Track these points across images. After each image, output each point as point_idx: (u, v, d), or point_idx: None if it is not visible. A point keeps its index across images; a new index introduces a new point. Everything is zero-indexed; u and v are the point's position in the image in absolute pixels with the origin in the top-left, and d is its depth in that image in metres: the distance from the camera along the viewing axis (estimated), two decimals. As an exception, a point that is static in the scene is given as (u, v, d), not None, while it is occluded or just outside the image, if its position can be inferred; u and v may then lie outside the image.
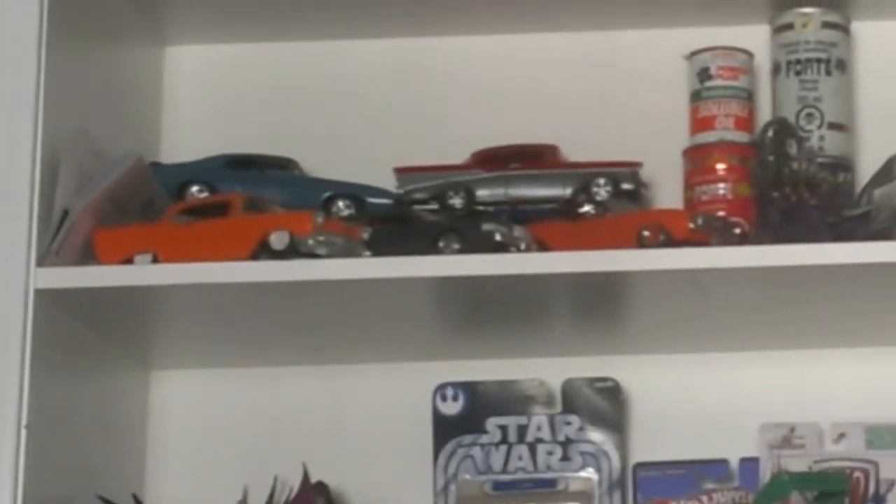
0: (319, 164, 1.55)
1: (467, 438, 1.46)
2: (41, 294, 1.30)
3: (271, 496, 1.42)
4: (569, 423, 1.44)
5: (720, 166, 1.40)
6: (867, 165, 1.43)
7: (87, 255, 1.35)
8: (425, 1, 1.58)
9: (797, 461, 1.39)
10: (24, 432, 1.27)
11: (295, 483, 1.40)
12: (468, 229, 1.34)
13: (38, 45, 1.34)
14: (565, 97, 1.57)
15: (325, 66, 1.64)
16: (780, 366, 1.50)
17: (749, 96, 1.47)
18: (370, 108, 1.62)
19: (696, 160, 1.43)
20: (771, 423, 1.42)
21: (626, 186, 1.43)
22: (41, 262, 1.30)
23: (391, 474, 1.50)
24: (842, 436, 1.42)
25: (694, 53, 1.48)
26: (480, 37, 1.61)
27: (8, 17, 1.35)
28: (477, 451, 1.42)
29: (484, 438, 1.44)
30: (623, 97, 1.54)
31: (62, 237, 1.34)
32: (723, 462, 1.44)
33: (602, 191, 1.41)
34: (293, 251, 1.30)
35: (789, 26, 1.43)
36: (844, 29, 1.48)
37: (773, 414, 1.44)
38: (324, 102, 1.63)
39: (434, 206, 1.44)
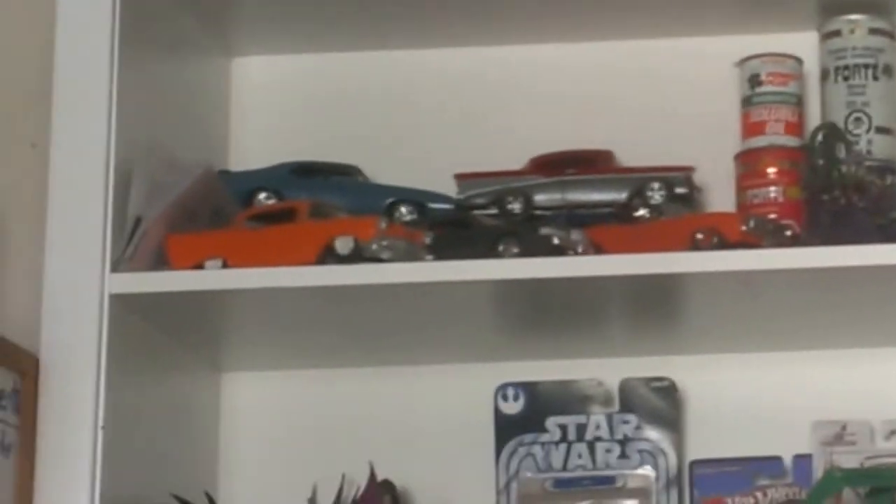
0: (382, 170, 1.56)
1: (528, 437, 1.47)
2: (115, 299, 1.31)
3: (339, 494, 1.42)
4: (626, 422, 1.45)
5: (771, 170, 1.41)
6: None
7: (160, 261, 1.37)
8: (483, 12, 1.56)
9: (849, 458, 1.39)
10: (100, 433, 1.29)
11: (362, 481, 1.40)
12: (527, 233, 1.36)
13: (111, 59, 1.36)
14: (620, 104, 1.57)
15: (386, 75, 1.65)
16: (832, 365, 1.49)
17: (798, 101, 1.46)
18: (430, 115, 1.62)
19: (748, 164, 1.44)
20: (823, 420, 1.43)
21: (679, 190, 1.44)
22: (115, 268, 1.31)
23: (455, 472, 1.51)
24: (893, 433, 1.42)
25: (744, 60, 1.47)
26: (537, 45, 1.60)
27: (81, 33, 1.38)
28: (538, 450, 1.43)
29: (544, 437, 1.45)
30: (676, 103, 1.53)
31: (135, 244, 1.35)
32: (777, 459, 1.44)
33: (656, 195, 1.41)
34: (358, 256, 1.32)
35: (837, 33, 1.43)
36: (891, 35, 1.48)
37: (825, 412, 1.44)
38: (385, 110, 1.63)
39: (493, 211, 1.44)
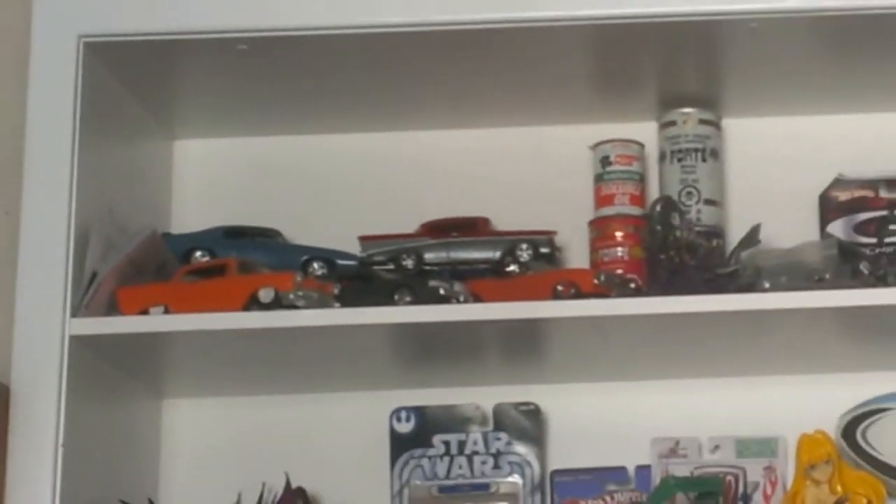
0: (298, 234, 1.67)
1: (418, 451, 1.58)
2: (74, 339, 1.42)
3: (260, 499, 1.52)
4: (499, 439, 1.58)
5: (618, 234, 1.55)
6: (736, 233, 1.54)
7: (112, 308, 1.47)
8: (381, 104, 1.66)
9: (681, 468, 1.52)
10: (60, 451, 1.39)
11: (279, 489, 1.51)
12: (418, 285, 1.47)
13: (72, 141, 1.46)
14: (497, 180, 1.68)
15: (302, 155, 1.75)
16: (667, 391, 1.62)
17: (641, 178, 1.60)
18: (340, 189, 1.72)
19: (600, 229, 1.57)
20: (660, 437, 1.55)
21: (543, 250, 1.56)
22: (75, 314, 1.42)
23: (357, 481, 1.62)
24: (717, 447, 1.54)
25: (597, 144, 1.60)
26: (428, 131, 1.71)
27: (46, 119, 1.48)
28: (425, 462, 1.56)
29: (431, 451, 1.57)
30: (542, 179, 1.66)
31: (91, 294, 1.47)
32: (622, 469, 1.55)
33: (524, 254, 1.54)
34: (277, 304, 1.43)
35: (673, 123, 1.58)
36: (716, 125, 1.62)
37: (661, 430, 1.57)
38: (302, 184, 1.74)
39: (390, 267, 1.56)
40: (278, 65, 1.57)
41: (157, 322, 1.45)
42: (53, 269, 1.43)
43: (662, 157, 1.62)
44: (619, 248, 1.54)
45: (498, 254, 1.53)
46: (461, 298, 1.44)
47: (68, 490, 1.41)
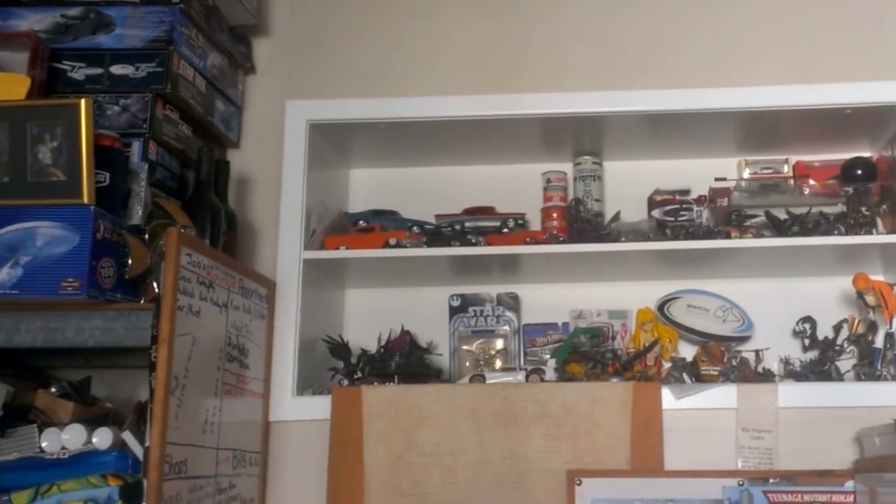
0: (409, 213, 2.21)
1: (461, 315, 2.13)
2: (305, 261, 2.04)
3: (389, 336, 2.03)
4: (499, 309, 2.12)
5: (555, 214, 2.12)
6: (609, 215, 2.06)
7: (322, 246, 2.07)
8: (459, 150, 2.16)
9: (582, 323, 2.15)
10: (298, 314, 1.95)
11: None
12: (461, 237, 2.00)
13: (303, 170, 2.10)
14: (502, 192, 2.21)
15: (429, 179, 2.26)
16: (579, 288, 2.16)
17: (564, 189, 2.13)
18: (430, 188, 2.23)
19: (546, 212, 2.12)
20: (574, 309, 2.15)
21: (520, 222, 2.10)
22: (305, 248, 2.05)
23: (435, 330, 2.12)
24: (599, 314, 2.12)
25: (545, 173, 2.14)
26: (464, 167, 2.25)
27: (293, 160, 2.09)
28: (465, 320, 2.11)
29: (467, 315, 2.11)
30: (519, 191, 2.20)
31: (312, 240, 2.07)
32: (556, 324, 2.13)
33: (511, 223, 2.09)
34: (398, 245, 2.00)
35: (579, 163, 2.15)
36: (600, 164, 2.13)
37: (574, 305, 2.16)
38: (423, 189, 2.23)
39: (449, 229, 2.10)
40: (412, 129, 2.12)
41: (342, 253, 2.07)
42: (294, 229, 2.05)
43: (575, 179, 2.24)
44: (556, 221, 2.18)
45: (498, 223, 2.14)
46: (481, 243, 2.03)
47: (301, 334, 2.01)
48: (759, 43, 2.11)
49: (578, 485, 1.83)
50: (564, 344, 2.05)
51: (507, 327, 2.18)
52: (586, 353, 2.01)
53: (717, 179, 2.16)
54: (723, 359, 1.99)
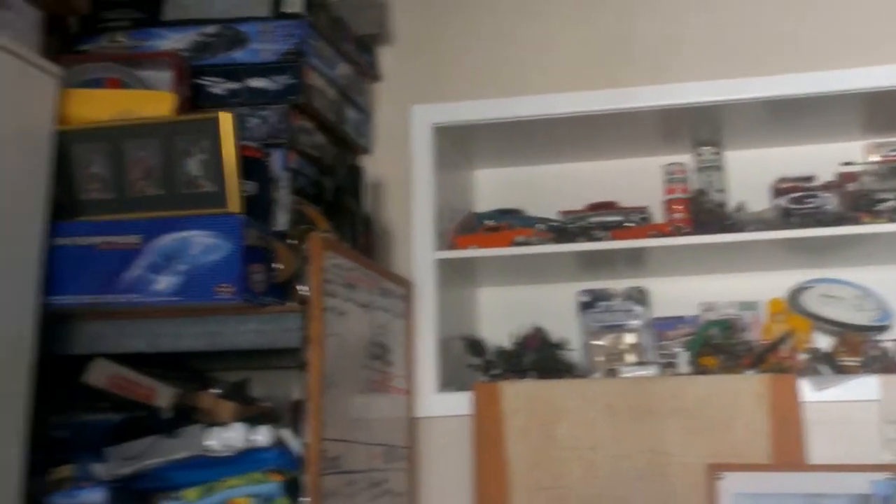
0: (534, 211, 2.23)
1: (591, 309, 2.14)
2: (439, 261, 2.09)
3: (521, 335, 2.01)
4: (629, 302, 2.11)
5: (678, 206, 2.08)
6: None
7: (453, 246, 2.11)
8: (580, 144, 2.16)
9: (712, 315, 2.11)
10: (438, 318, 1.98)
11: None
12: (585, 233, 2.02)
13: (432, 171, 2.14)
14: (625, 188, 2.21)
15: (551, 175, 2.27)
16: (709, 281, 2.13)
17: (684, 181, 2.12)
18: (552, 185, 2.26)
19: (669, 204, 2.09)
20: (703, 301, 2.11)
21: (643, 216, 2.07)
22: (437, 248, 2.09)
23: (565, 323, 2.13)
24: (730, 307, 2.07)
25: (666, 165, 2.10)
26: (583, 163, 2.26)
27: (421, 161, 2.13)
28: (593, 314, 2.11)
29: (595, 309, 2.12)
30: (638, 183, 2.18)
31: (443, 240, 2.09)
32: (682, 317, 2.11)
33: (634, 218, 2.07)
34: (525, 243, 2.01)
35: (699, 154, 2.12)
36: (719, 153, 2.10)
37: (703, 298, 2.12)
38: (548, 189, 2.24)
39: (575, 224, 2.08)
40: (532, 127, 2.12)
41: (473, 252, 2.10)
42: (426, 230, 2.10)
43: (696, 170, 2.18)
44: (679, 213, 2.16)
45: (621, 218, 2.12)
46: (606, 238, 2.04)
47: (440, 332, 2.04)
48: (880, 19, 2.02)
49: (719, 479, 1.78)
50: (696, 337, 2.01)
51: (636, 321, 2.16)
52: (719, 346, 1.96)
53: (844, 164, 2.08)
54: (861, 349, 1.91)
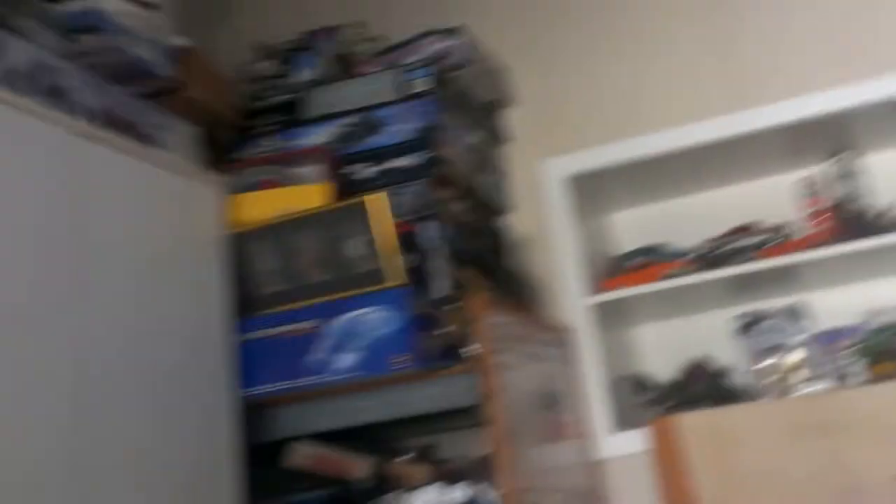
0: (677, 240, 2.20)
1: (750, 329, 2.08)
2: (592, 306, 2.10)
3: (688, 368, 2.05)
4: (792, 318, 2.05)
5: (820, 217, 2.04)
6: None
7: (602, 289, 2.09)
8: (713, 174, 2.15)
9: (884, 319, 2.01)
10: (602, 354, 1.97)
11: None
12: (733, 257, 2.01)
13: (571, 219, 2.15)
14: (762, 207, 2.15)
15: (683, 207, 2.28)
16: (870, 288, 2.10)
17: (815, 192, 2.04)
18: (696, 215, 2.21)
19: (814, 217, 2.04)
20: (871, 309, 2.04)
21: (783, 234, 2.04)
22: (589, 294, 2.10)
23: (728, 346, 2.09)
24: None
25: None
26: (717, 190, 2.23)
27: (557, 207, 2.15)
28: (754, 336, 2.08)
29: (758, 329, 2.07)
30: (776, 201, 2.14)
31: (593, 284, 2.09)
32: (850, 327, 2.03)
33: (772, 237, 2.06)
34: (671, 276, 2.02)
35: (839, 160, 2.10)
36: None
37: (868, 305, 2.06)
38: (684, 213, 2.24)
39: (721, 250, 2.07)
40: (662, 163, 2.12)
41: (623, 292, 2.12)
42: (574, 278, 2.11)
43: (836, 177, 2.12)
44: (824, 224, 2.08)
45: (763, 238, 2.12)
46: (753, 260, 2.03)
47: (602, 369, 2.04)
48: None
49: (921, 491, 1.62)
50: (867, 345, 1.97)
51: (800, 337, 2.09)
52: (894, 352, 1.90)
53: None
54: None
